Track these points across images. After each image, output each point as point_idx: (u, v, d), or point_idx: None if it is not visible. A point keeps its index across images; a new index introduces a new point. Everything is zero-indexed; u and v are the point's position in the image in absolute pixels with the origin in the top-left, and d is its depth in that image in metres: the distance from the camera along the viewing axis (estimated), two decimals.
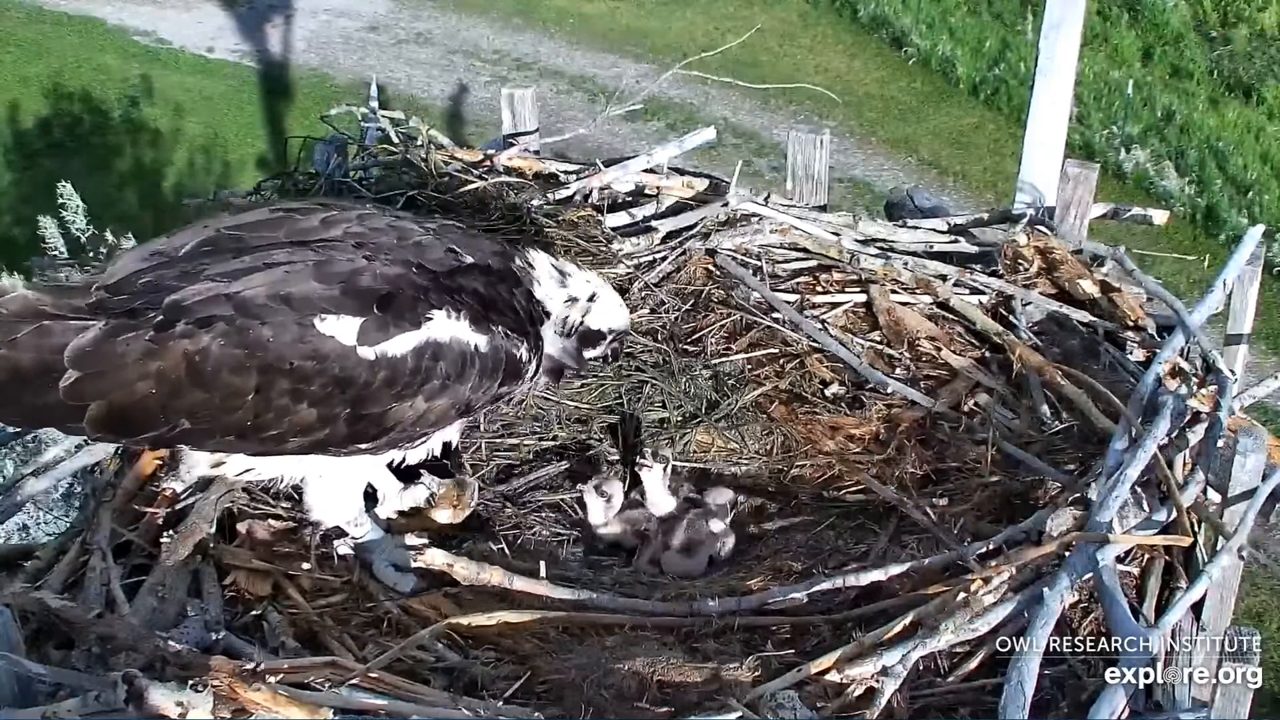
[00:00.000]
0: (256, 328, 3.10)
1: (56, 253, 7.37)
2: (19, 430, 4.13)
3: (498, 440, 4.24)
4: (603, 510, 3.96)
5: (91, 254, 7.19)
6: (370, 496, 3.77)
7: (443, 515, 3.79)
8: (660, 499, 3.99)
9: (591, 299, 3.66)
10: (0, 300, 3.11)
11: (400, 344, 3.20)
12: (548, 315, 3.58)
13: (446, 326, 3.26)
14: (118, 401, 3.11)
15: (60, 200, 7.91)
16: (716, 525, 3.95)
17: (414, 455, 3.62)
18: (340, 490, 3.52)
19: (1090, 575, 3.12)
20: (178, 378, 3.09)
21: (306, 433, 3.22)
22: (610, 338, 3.76)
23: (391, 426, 3.29)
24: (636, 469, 4.00)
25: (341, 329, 3.15)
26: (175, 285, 3.14)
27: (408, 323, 3.21)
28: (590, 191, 4.99)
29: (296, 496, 3.63)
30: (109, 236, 7.46)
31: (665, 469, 3.99)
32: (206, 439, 3.27)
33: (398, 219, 3.45)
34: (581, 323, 3.65)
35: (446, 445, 3.70)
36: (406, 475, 3.80)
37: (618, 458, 4.22)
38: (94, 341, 3.07)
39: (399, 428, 3.30)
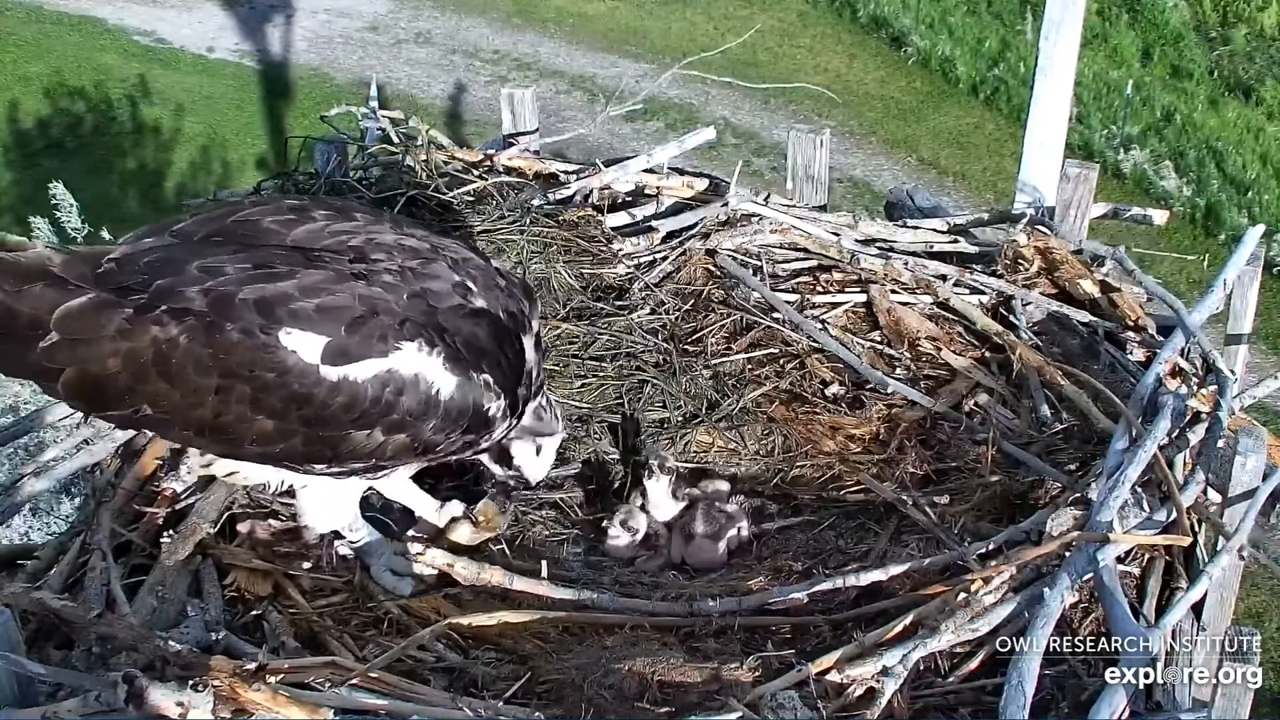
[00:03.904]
0: (224, 328, 3.07)
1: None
2: (19, 430, 4.14)
3: None
4: (627, 542, 3.94)
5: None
6: (409, 514, 3.79)
7: (462, 534, 3.73)
8: (664, 505, 3.99)
9: (539, 436, 3.62)
10: (21, 254, 3.17)
11: (363, 369, 3.13)
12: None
13: (415, 360, 3.16)
14: (90, 373, 3.12)
15: (53, 200, 7.91)
16: (730, 507, 3.98)
17: (379, 485, 3.61)
18: (332, 498, 3.49)
19: (1090, 575, 3.12)
20: (144, 363, 3.09)
21: (265, 443, 3.19)
22: (511, 472, 3.68)
23: (348, 453, 3.24)
24: (644, 477, 3.98)
25: (305, 345, 3.09)
26: (169, 270, 3.14)
27: (375, 351, 3.13)
28: (590, 191, 4.98)
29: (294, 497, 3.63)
30: (105, 235, 7.47)
31: (671, 479, 3.99)
32: (168, 429, 3.27)
33: (408, 237, 3.34)
34: (508, 438, 3.56)
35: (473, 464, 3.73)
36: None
37: (617, 457, 4.22)
38: (80, 309, 3.09)
39: (355, 455, 3.25)
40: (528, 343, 3.42)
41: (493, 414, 3.34)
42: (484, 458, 3.66)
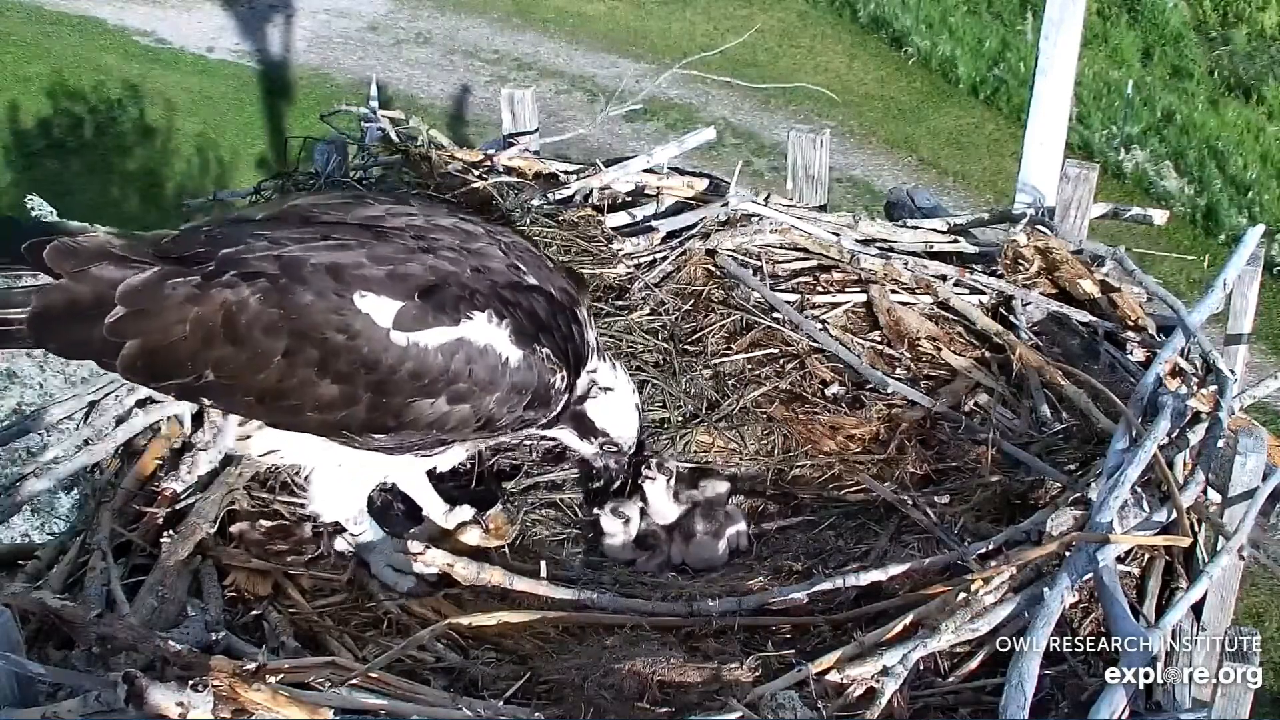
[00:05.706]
0: (297, 291, 3.12)
1: None
2: (19, 430, 4.13)
3: None
4: (621, 533, 3.94)
5: None
6: (409, 516, 3.80)
7: (472, 537, 3.73)
8: (664, 508, 3.98)
9: (605, 389, 3.59)
10: (80, 238, 3.20)
11: (434, 337, 3.18)
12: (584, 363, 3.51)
13: (485, 331, 3.22)
14: (151, 344, 3.14)
15: (32, 210, 7.91)
16: (730, 507, 3.98)
17: (426, 464, 3.58)
18: (346, 486, 3.50)
19: (1090, 575, 3.12)
20: (212, 326, 3.12)
21: (325, 410, 3.20)
22: (603, 440, 3.67)
23: (410, 421, 3.26)
24: (641, 480, 3.98)
25: (379, 309, 3.14)
26: (235, 242, 3.19)
27: (447, 318, 3.18)
28: (590, 191, 4.98)
29: (301, 491, 3.62)
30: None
31: (670, 480, 3.99)
32: (228, 396, 3.27)
33: (465, 222, 3.43)
34: (580, 400, 3.56)
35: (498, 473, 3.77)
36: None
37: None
38: (145, 282, 3.14)
39: (416, 425, 3.27)
40: (581, 319, 3.49)
41: (556, 388, 3.38)
42: (568, 439, 3.69)
